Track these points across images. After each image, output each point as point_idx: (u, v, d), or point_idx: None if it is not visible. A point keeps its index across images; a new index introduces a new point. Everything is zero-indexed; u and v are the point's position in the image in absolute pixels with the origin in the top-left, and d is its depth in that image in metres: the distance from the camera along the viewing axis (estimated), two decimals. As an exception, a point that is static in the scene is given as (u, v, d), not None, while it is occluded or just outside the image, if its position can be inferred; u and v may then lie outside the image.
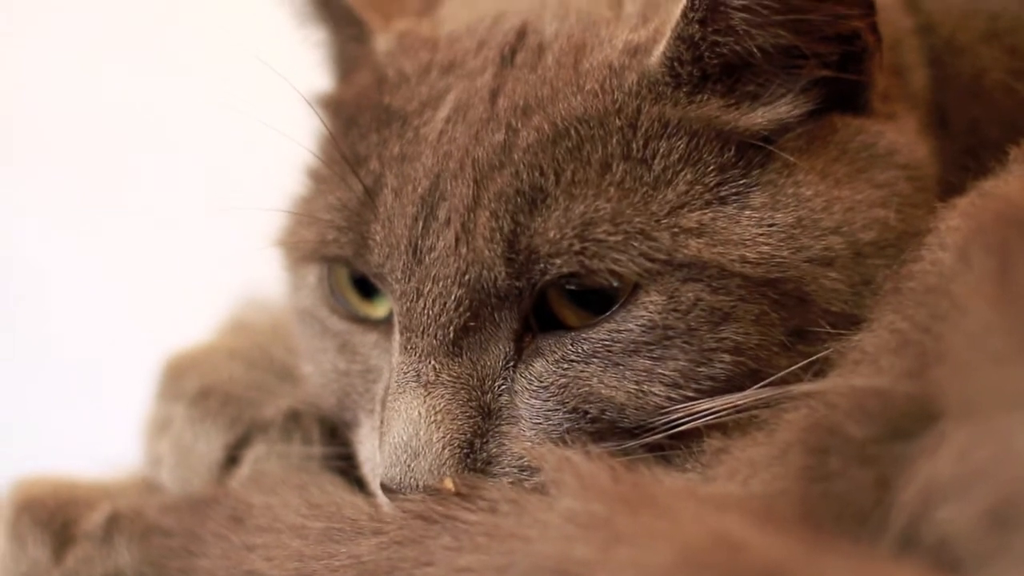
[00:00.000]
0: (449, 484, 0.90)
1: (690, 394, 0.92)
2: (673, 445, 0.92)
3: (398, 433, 0.93)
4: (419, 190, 0.96)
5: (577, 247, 0.91)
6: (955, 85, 1.08)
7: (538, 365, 0.94)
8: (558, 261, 0.92)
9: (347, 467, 1.04)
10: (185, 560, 1.00)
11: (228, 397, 1.10)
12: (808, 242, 0.93)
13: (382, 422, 0.96)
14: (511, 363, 0.95)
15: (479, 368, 0.95)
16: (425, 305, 0.94)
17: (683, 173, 0.93)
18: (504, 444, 0.94)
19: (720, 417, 0.91)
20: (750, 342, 0.92)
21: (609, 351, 0.93)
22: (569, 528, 0.79)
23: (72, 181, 1.97)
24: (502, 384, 0.95)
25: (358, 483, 1.02)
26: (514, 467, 0.94)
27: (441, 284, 0.94)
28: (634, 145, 0.94)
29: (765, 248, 0.92)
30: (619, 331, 0.92)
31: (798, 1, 0.93)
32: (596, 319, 0.93)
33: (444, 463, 0.92)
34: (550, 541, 0.79)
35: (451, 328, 0.94)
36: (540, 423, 0.94)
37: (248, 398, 1.10)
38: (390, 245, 0.96)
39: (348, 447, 1.05)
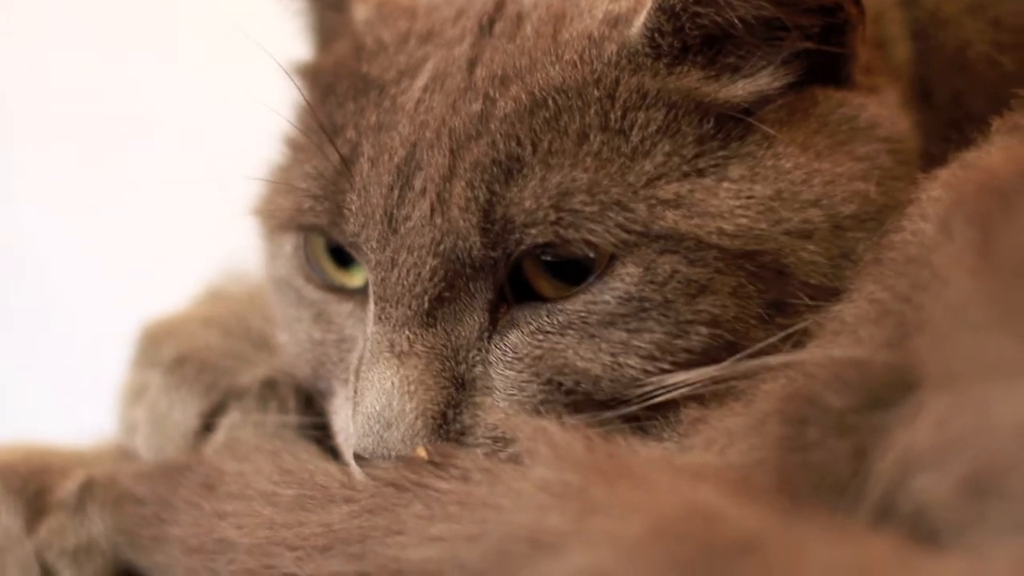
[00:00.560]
0: (422, 452, 0.90)
1: (666, 367, 0.92)
2: (649, 416, 0.92)
3: (371, 403, 0.93)
4: (395, 159, 0.95)
5: (553, 217, 0.91)
6: (939, 57, 1.08)
7: (513, 336, 0.94)
8: (533, 231, 0.91)
9: (322, 436, 1.04)
10: (157, 528, 0.99)
11: (204, 365, 1.09)
12: (787, 214, 0.93)
13: (356, 392, 0.96)
14: (486, 334, 0.94)
15: (453, 338, 0.94)
16: (400, 275, 0.93)
17: (661, 144, 0.93)
18: (478, 415, 0.94)
19: (696, 389, 0.91)
20: (727, 314, 0.92)
21: (585, 323, 0.92)
22: (543, 497, 0.78)
23: (50, 151, 1.96)
24: (476, 355, 0.94)
25: (333, 453, 1.01)
26: (488, 438, 0.93)
27: (416, 254, 0.93)
28: (612, 116, 0.93)
29: (743, 220, 0.92)
30: (595, 303, 0.92)
31: None
32: (572, 290, 0.93)
33: (417, 434, 0.92)
34: (523, 510, 0.78)
35: (425, 298, 0.93)
36: (514, 394, 0.94)
37: (224, 366, 1.09)
38: (365, 214, 0.96)
39: (324, 416, 1.04)
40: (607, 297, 0.91)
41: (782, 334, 0.91)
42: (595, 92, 0.94)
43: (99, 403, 1.15)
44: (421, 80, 0.99)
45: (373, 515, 0.86)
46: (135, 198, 1.88)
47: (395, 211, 0.94)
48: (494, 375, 0.94)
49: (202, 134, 1.80)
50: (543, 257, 0.93)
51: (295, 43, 1.15)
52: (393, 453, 0.91)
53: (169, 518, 0.99)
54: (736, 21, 0.94)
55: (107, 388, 1.15)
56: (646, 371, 0.92)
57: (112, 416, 1.14)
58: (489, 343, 0.94)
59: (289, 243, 1.05)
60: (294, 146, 1.06)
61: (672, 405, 0.91)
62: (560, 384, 0.93)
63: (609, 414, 0.92)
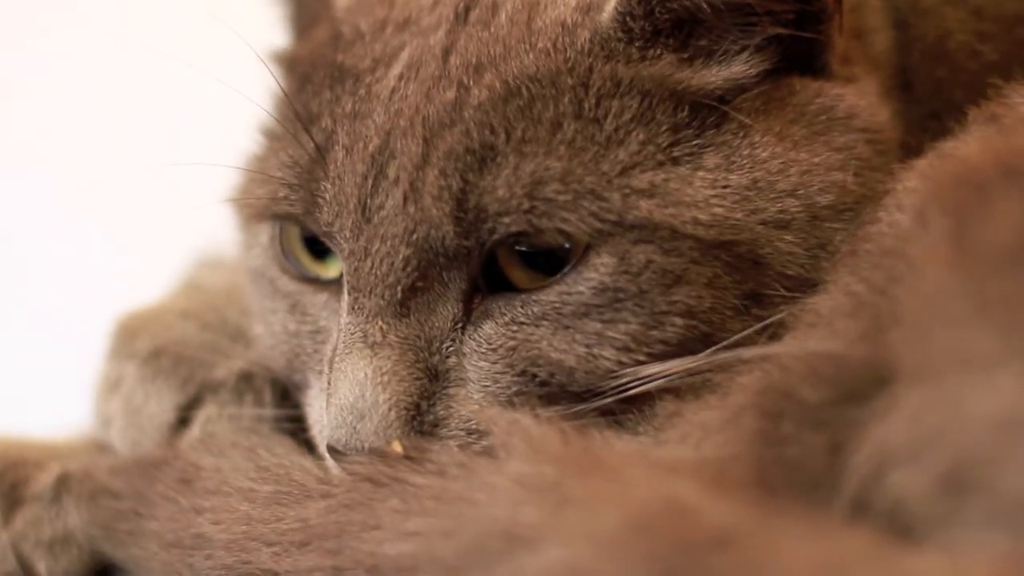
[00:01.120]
0: (398, 447, 0.90)
1: (641, 358, 0.91)
2: (625, 409, 0.92)
3: (344, 395, 0.93)
4: (370, 148, 0.95)
5: (526, 206, 0.90)
6: (920, 47, 1.08)
7: (487, 327, 0.94)
8: (507, 220, 0.91)
9: (298, 429, 1.04)
10: (133, 523, 0.99)
11: (180, 357, 1.09)
12: (763, 204, 0.93)
13: (329, 383, 0.95)
14: (459, 324, 0.94)
15: (427, 329, 0.94)
16: (373, 264, 0.93)
17: (635, 133, 0.93)
18: (452, 407, 0.94)
19: (671, 381, 0.91)
20: (702, 305, 0.92)
21: (559, 313, 0.92)
22: (518, 491, 0.78)
23: (31, 139, 1.96)
24: (450, 346, 0.94)
25: (309, 445, 1.01)
26: (462, 430, 0.93)
27: (389, 243, 0.93)
28: (586, 104, 0.93)
29: (718, 210, 0.92)
30: (569, 293, 0.92)
31: None
32: (546, 281, 0.92)
33: (390, 425, 0.92)
34: (498, 505, 0.78)
35: (398, 288, 0.93)
36: (488, 386, 0.93)
37: (200, 358, 1.09)
38: (339, 203, 0.95)
39: (300, 409, 1.04)
40: (581, 288, 0.91)
41: (758, 325, 0.91)
42: (569, 80, 0.93)
43: (75, 396, 1.14)
44: (396, 68, 0.98)
45: (350, 510, 0.86)
46: (111, 188, 1.87)
47: (369, 200, 0.94)
48: (468, 366, 0.94)
49: (181, 123, 1.79)
50: (517, 247, 0.93)
51: (275, 31, 1.14)
52: (366, 445, 0.91)
53: (146, 513, 0.98)
54: (704, 5, 0.93)
55: (83, 381, 1.15)
56: (621, 363, 0.91)
57: (88, 409, 1.13)
58: (463, 334, 0.94)
59: (265, 233, 1.05)
60: (270, 135, 1.06)
61: (647, 398, 0.91)
62: (534, 376, 0.93)
63: (584, 406, 0.92)
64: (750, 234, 0.92)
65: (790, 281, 0.92)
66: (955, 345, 0.74)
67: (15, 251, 1.97)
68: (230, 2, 1.09)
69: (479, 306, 0.94)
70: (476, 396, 0.93)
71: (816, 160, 0.95)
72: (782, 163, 0.94)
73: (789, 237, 0.93)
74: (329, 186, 0.96)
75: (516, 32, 0.96)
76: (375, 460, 0.88)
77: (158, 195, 1.62)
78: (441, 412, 0.93)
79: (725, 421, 0.84)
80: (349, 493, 0.87)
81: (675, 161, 0.93)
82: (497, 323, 0.93)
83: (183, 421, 1.07)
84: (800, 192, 0.93)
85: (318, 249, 1.01)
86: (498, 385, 0.93)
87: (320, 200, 0.97)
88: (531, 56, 0.94)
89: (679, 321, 0.91)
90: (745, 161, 0.93)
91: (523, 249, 0.93)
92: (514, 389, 0.93)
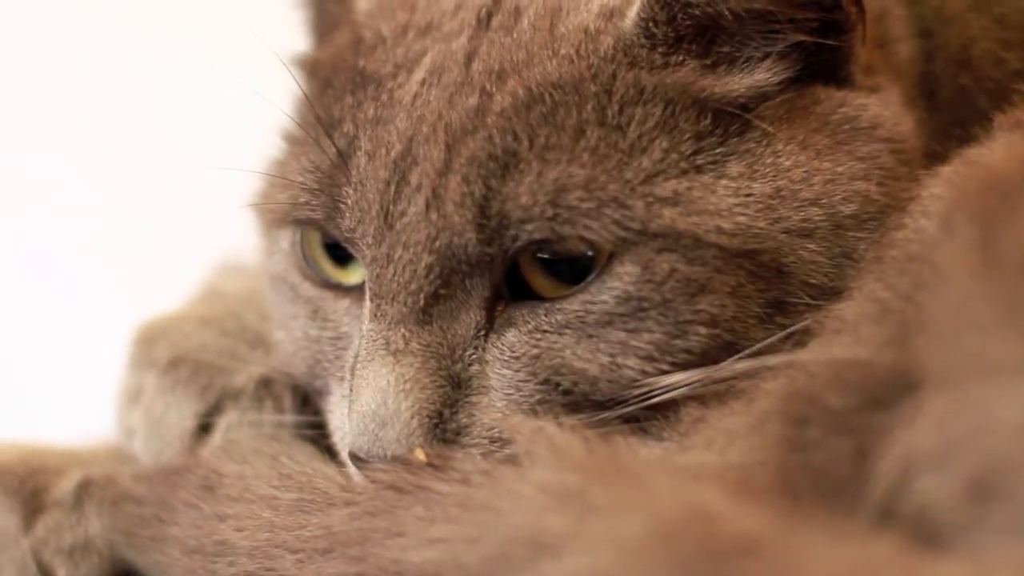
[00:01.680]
0: (420, 455, 0.90)
1: (665, 367, 0.91)
2: (649, 416, 0.92)
3: (366, 402, 0.93)
4: (392, 154, 0.95)
5: (549, 213, 0.90)
6: (944, 55, 1.08)
7: (510, 335, 0.94)
8: (530, 227, 0.91)
9: (319, 435, 1.04)
10: (156, 528, 0.99)
11: (199, 365, 1.09)
12: (786, 213, 0.92)
13: (351, 390, 0.95)
14: (482, 332, 0.94)
15: (449, 337, 0.94)
16: (395, 271, 0.93)
17: (658, 140, 0.92)
18: (474, 415, 0.94)
19: (695, 389, 0.91)
20: (726, 314, 0.91)
21: (583, 322, 0.92)
22: (542, 499, 0.78)
23: (48, 146, 1.96)
24: (473, 353, 0.94)
25: (330, 451, 1.01)
26: (484, 438, 0.93)
27: (411, 250, 0.93)
28: (609, 111, 0.93)
29: (741, 218, 0.91)
30: (593, 302, 0.91)
31: None
32: (570, 289, 0.92)
33: (412, 433, 0.92)
34: (523, 512, 0.78)
35: (421, 295, 0.93)
36: (511, 394, 0.93)
37: (219, 365, 1.09)
38: (362, 209, 0.95)
39: (320, 415, 1.04)
40: (605, 296, 0.91)
41: (782, 333, 0.91)
42: (592, 87, 0.93)
43: (96, 403, 1.14)
44: (419, 74, 0.98)
45: (373, 517, 0.86)
46: (134, 193, 1.88)
47: (391, 206, 0.94)
48: (491, 374, 0.94)
49: (201, 128, 1.79)
50: (540, 255, 0.92)
51: (296, 35, 1.14)
52: (388, 452, 0.91)
53: (168, 519, 0.99)
54: (726, 12, 0.93)
55: (104, 387, 1.14)
56: (644, 372, 0.91)
57: (110, 417, 1.14)
58: (486, 342, 0.94)
59: (286, 239, 1.05)
60: (291, 140, 1.06)
61: (672, 404, 0.91)
62: (557, 384, 0.93)
63: (607, 414, 0.92)
64: (773, 243, 0.92)
65: (813, 290, 0.92)
66: (981, 351, 0.74)
67: (36, 257, 1.98)
68: (253, 5, 1.09)
69: (502, 314, 0.94)
70: (499, 404, 0.93)
71: (839, 169, 0.95)
72: (805, 172, 0.94)
73: (812, 246, 0.92)
74: (351, 192, 0.96)
75: (539, 38, 0.96)
76: (398, 467, 0.88)
77: (182, 200, 1.62)
78: (463, 420, 0.93)
79: (750, 427, 0.84)
80: (372, 500, 0.87)
81: (698, 169, 0.93)
82: (520, 331, 0.93)
83: (205, 428, 1.07)
84: (823, 201, 0.93)
85: (339, 255, 1.01)
86: (521, 393, 0.93)
87: (342, 206, 0.97)
88: (554, 62, 0.94)
89: (703, 330, 0.91)
90: (768, 169, 0.93)
91: (546, 257, 0.92)
92: (537, 397, 0.93)
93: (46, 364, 1.88)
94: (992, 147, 0.90)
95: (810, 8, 0.95)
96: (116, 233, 1.91)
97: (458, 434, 0.93)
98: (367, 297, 0.96)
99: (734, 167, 0.93)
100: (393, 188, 0.94)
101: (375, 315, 0.94)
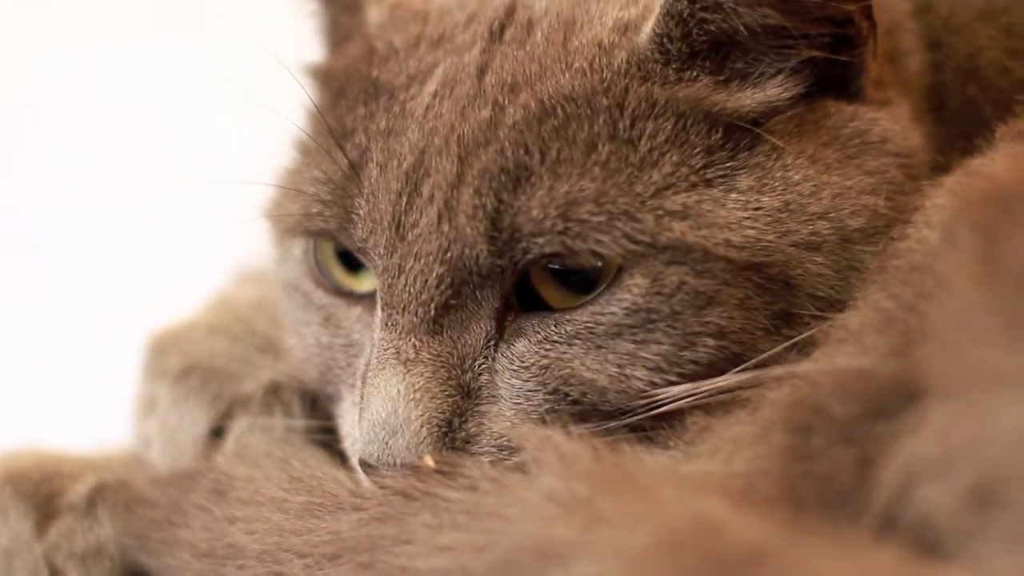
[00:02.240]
0: (429, 462, 0.90)
1: (673, 378, 0.92)
2: (655, 425, 0.92)
3: (377, 410, 0.93)
4: (404, 165, 0.96)
5: (560, 227, 0.91)
6: (952, 65, 1.08)
7: (520, 345, 0.94)
8: (540, 240, 0.91)
9: (330, 440, 1.04)
10: (168, 532, 1.00)
11: (210, 373, 1.10)
12: (795, 226, 0.93)
13: (362, 398, 0.96)
14: (492, 342, 0.95)
15: (459, 347, 0.95)
16: (406, 282, 0.94)
17: (669, 154, 0.93)
18: (483, 424, 0.94)
19: (702, 399, 0.91)
20: (734, 326, 0.92)
21: (592, 333, 0.92)
22: (550, 508, 0.79)
23: (64, 156, 1.97)
24: (482, 363, 0.95)
25: (341, 456, 1.02)
26: (493, 447, 0.94)
27: (423, 261, 0.93)
28: (620, 125, 0.93)
29: (750, 232, 0.92)
30: (602, 313, 0.92)
31: None
32: (579, 300, 0.93)
33: (422, 441, 0.92)
34: (530, 521, 0.79)
35: (432, 306, 0.93)
36: (520, 403, 0.94)
37: (230, 372, 1.10)
38: (374, 220, 0.96)
39: (330, 420, 1.05)
40: (614, 308, 0.92)
41: (787, 343, 0.91)
42: (604, 101, 0.94)
43: (112, 408, 1.15)
44: (431, 86, 0.99)
45: (382, 524, 0.87)
46: (154, 200, 1.88)
47: (403, 217, 0.95)
48: (500, 384, 0.94)
49: (217, 137, 1.80)
50: (550, 266, 0.93)
51: (310, 45, 1.15)
52: (398, 460, 0.92)
53: (180, 522, 0.99)
54: (742, 28, 0.94)
55: (118, 393, 1.15)
56: (653, 383, 0.92)
57: (127, 426, 1.14)
58: (496, 351, 0.95)
59: (298, 247, 1.06)
60: (304, 150, 1.06)
61: (678, 413, 0.91)
62: (566, 394, 0.93)
63: (615, 424, 0.92)
64: (781, 256, 0.92)
65: (820, 302, 0.93)
66: (983, 361, 0.74)
67: (51, 264, 1.98)
68: (267, 16, 1.10)
69: (512, 324, 0.95)
70: (508, 413, 0.94)
71: (848, 183, 0.95)
72: (814, 186, 0.94)
73: (820, 259, 0.93)
74: (363, 203, 0.97)
75: (552, 51, 0.96)
76: (407, 474, 0.89)
77: (201, 207, 1.62)
78: (473, 429, 0.94)
79: (755, 436, 0.84)
80: (381, 507, 0.88)
81: (708, 183, 0.93)
82: (530, 341, 0.94)
83: (218, 434, 1.08)
84: (832, 215, 0.94)
85: (352, 262, 1.02)
86: (530, 403, 0.94)
87: (354, 216, 0.97)
88: (567, 76, 0.95)
89: (711, 342, 0.92)
90: (778, 183, 0.94)
91: (556, 268, 0.93)
92: (546, 407, 0.93)
93: (63, 371, 1.89)
94: (994, 158, 0.90)
95: (823, 24, 0.95)
96: (132, 240, 1.92)
97: (467, 442, 0.94)
98: (378, 306, 0.97)
99: (744, 181, 0.93)
100: (405, 199, 0.95)
101: (386, 324, 0.95)
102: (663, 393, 0.91)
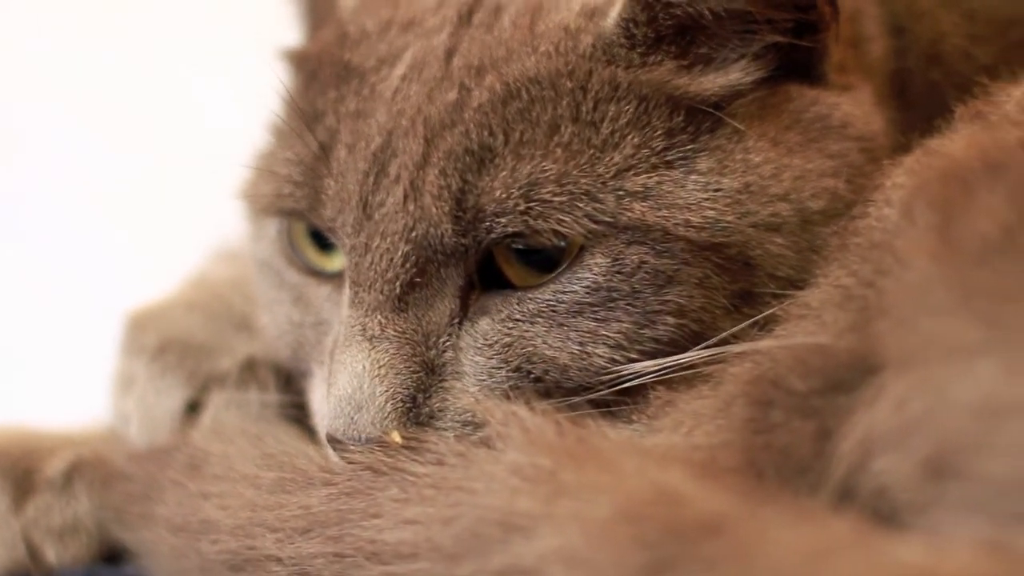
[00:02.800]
0: (397, 437, 0.91)
1: (633, 356, 0.93)
2: (618, 400, 0.94)
3: (343, 386, 0.94)
4: (372, 147, 0.97)
5: (522, 207, 0.92)
6: (915, 50, 1.09)
7: (483, 323, 0.95)
8: (503, 220, 0.93)
9: (303, 415, 1.06)
10: (144, 506, 1.01)
11: (186, 350, 1.11)
12: (755, 207, 0.94)
13: (330, 374, 0.97)
14: (456, 320, 0.96)
15: (424, 324, 0.96)
16: (373, 260, 0.95)
17: (631, 136, 0.94)
18: (447, 399, 0.95)
19: (665, 375, 0.92)
20: (693, 304, 0.93)
21: (554, 311, 0.94)
22: (514, 481, 0.80)
23: (46, 136, 1.97)
24: (447, 340, 0.96)
25: (312, 432, 1.03)
26: (457, 422, 0.95)
27: (389, 240, 0.94)
28: (584, 108, 0.94)
29: (710, 212, 0.93)
30: (564, 292, 0.93)
31: None
32: (542, 279, 0.94)
33: (386, 417, 0.93)
34: (495, 494, 0.80)
35: (397, 284, 0.95)
36: (484, 380, 0.95)
37: (206, 349, 1.11)
38: (342, 200, 0.97)
39: (304, 396, 1.06)
40: (576, 287, 0.93)
41: (747, 322, 0.92)
42: (568, 84, 0.95)
43: (90, 385, 1.16)
44: (400, 69, 1.00)
45: (351, 498, 0.88)
46: (130, 180, 1.88)
47: (370, 197, 0.96)
48: (464, 361, 0.96)
49: (197, 118, 1.80)
50: (513, 246, 0.94)
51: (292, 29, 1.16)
52: (363, 435, 0.93)
53: (156, 497, 1.00)
54: (707, 12, 0.95)
55: (97, 370, 1.16)
56: (614, 360, 0.93)
57: (105, 401, 1.15)
58: (460, 329, 0.96)
59: (272, 227, 1.07)
60: (277, 133, 1.07)
61: (641, 389, 0.93)
62: (529, 371, 0.94)
63: (577, 399, 0.93)
64: (741, 236, 0.93)
65: (779, 282, 0.94)
66: (939, 334, 0.75)
67: (37, 248, 1.98)
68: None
69: (475, 302, 0.96)
70: (472, 390, 0.95)
71: (809, 166, 0.96)
72: (775, 168, 0.95)
73: (780, 240, 0.94)
74: (332, 183, 0.98)
75: (519, 35, 0.97)
76: (376, 449, 0.90)
77: (178, 186, 1.63)
78: (437, 405, 0.95)
79: (716, 409, 0.86)
80: (350, 481, 0.89)
81: (669, 164, 0.94)
82: (493, 319, 0.95)
83: (194, 408, 1.09)
84: (792, 197, 0.95)
85: (324, 242, 1.03)
86: (493, 380, 0.95)
87: (323, 196, 0.99)
88: (532, 59, 0.96)
89: (671, 320, 0.93)
90: (738, 165, 0.95)
91: (519, 247, 0.94)
92: (509, 383, 0.94)
93: (41, 348, 1.89)
94: (953, 137, 0.91)
95: (787, 9, 0.96)
96: (108, 218, 1.92)
97: (432, 418, 0.95)
98: (347, 285, 0.98)
99: (704, 163, 0.95)
100: (372, 179, 0.96)
101: (353, 302, 0.96)
102: (626, 369, 0.93)
